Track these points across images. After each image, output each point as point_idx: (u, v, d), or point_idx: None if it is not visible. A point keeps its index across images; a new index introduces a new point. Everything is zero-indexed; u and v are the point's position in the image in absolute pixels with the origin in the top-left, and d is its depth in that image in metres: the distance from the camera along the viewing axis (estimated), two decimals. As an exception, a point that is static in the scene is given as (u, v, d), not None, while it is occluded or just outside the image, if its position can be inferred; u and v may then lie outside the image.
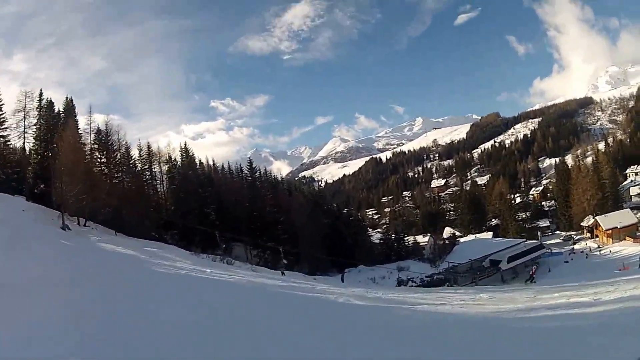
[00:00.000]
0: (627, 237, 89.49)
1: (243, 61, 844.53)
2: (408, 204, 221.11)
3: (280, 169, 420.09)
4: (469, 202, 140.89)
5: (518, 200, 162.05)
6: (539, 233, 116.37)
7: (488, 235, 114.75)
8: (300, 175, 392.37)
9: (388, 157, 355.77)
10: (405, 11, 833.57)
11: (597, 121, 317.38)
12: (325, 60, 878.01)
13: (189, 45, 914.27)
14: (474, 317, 16.47)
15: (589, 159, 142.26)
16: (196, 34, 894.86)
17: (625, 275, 35.31)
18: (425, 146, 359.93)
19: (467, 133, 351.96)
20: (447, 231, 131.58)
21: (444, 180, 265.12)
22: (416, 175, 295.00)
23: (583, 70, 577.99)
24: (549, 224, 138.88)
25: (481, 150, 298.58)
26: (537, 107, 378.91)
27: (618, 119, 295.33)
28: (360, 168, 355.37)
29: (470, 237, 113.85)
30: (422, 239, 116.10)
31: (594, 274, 45.62)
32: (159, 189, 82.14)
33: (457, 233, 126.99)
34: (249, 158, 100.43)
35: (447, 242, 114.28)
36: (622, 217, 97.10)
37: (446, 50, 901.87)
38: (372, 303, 20.20)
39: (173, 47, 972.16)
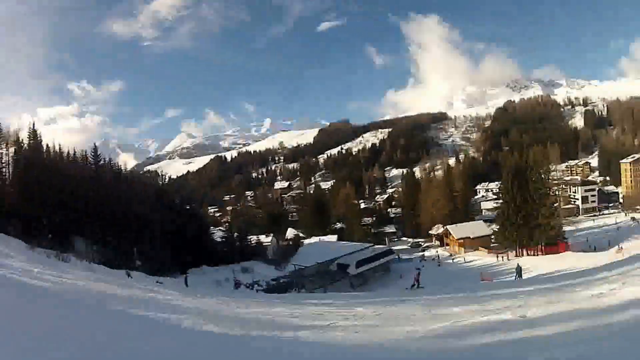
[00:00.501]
0: (480, 248, 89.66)
1: (105, 44, 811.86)
2: (250, 204, 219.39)
3: (127, 161, 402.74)
4: (313, 204, 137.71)
5: (363, 205, 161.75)
6: (386, 239, 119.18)
7: (333, 238, 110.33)
8: (145, 169, 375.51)
9: (234, 157, 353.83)
10: (271, 12, 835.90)
11: (449, 137, 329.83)
12: (183, 51, 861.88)
13: (54, 22, 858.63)
14: (389, 351, 9.21)
15: (439, 172, 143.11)
16: (63, 12, 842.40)
17: (497, 287, 29.40)
18: (272, 148, 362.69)
19: (314, 138, 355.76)
20: (291, 232, 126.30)
21: (288, 183, 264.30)
22: (260, 176, 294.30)
23: (440, 87, 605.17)
24: (395, 230, 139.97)
25: (327, 155, 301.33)
26: (387, 117, 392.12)
27: (472, 136, 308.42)
28: (205, 165, 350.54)
29: (315, 239, 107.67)
30: (265, 239, 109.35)
31: (460, 283, 42.78)
32: (4, 173, 69.27)
33: (301, 235, 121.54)
34: (95, 146, 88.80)
35: (290, 243, 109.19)
36: (475, 228, 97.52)
37: (304, 55, 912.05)
38: (230, 329, 12.02)
39: (37, 23, 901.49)
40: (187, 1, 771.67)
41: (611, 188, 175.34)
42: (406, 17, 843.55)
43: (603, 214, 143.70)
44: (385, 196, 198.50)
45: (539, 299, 13.80)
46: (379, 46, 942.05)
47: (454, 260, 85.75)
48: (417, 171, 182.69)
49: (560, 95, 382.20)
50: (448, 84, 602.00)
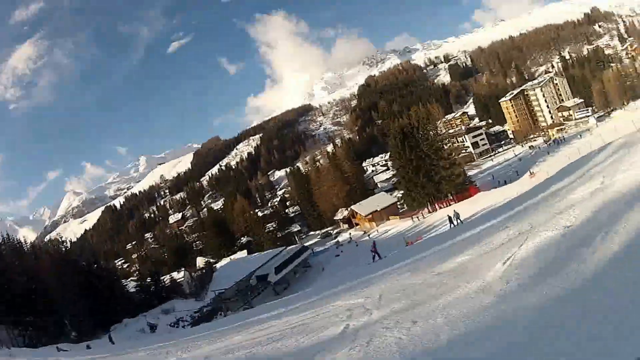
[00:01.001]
0: (391, 217, 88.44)
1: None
2: (153, 245, 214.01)
3: (26, 235, 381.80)
4: (212, 227, 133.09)
5: (261, 213, 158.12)
6: (295, 237, 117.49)
7: (243, 253, 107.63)
8: (46, 239, 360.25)
9: (122, 203, 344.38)
10: (119, 44, 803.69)
11: (320, 126, 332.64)
12: (47, 105, 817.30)
13: None
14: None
15: (323, 161, 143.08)
16: None
17: (429, 247, 27.18)
18: (154, 184, 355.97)
19: (191, 163, 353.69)
20: (200, 261, 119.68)
21: (181, 214, 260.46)
22: (152, 215, 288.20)
23: (297, 80, 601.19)
24: (300, 228, 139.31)
25: (209, 176, 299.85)
26: (255, 123, 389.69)
27: (342, 120, 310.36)
28: (98, 220, 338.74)
29: (226, 260, 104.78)
30: (178, 276, 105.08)
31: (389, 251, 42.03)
32: None
33: (211, 260, 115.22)
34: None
35: (203, 271, 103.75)
36: (379, 201, 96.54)
37: (160, 81, 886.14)
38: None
39: None
40: (40, 49, 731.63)
41: (497, 128, 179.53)
42: (251, 19, 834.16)
43: (498, 153, 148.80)
44: (278, 199, 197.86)
45: (540, 214, 14.07)
46: (230, 55, 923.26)
47: (370, 236, 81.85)
48: (300, 166, 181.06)
49: (419, 59, 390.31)
50: (305, 76, 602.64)
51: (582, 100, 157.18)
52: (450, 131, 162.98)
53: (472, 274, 10.30)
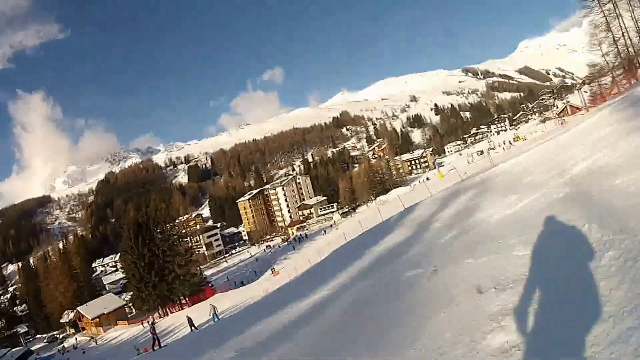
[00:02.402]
0: (119, 322, 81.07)
1: None
2: None
3: None
4: None
5: None
6: (21, 339, 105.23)
7: None
8: None
9: None
10: None
11: (55, 220, 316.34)
12: None
13: None
14: None
15: (54, 256, 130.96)
16: None
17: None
18: None
19: None
20: None
21: None
22: None
23: (43, 170, 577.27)
24: (27, 329, 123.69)
25: None
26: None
27: (77, 215, 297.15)
28: None
29: None
30: None
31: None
32: None
33: None
34: None
35: None
36: (107, 303, 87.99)
37: None
38: None
39: None
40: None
41: (232, 229, 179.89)
42: (14, 95, 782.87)
43: (232, 254, 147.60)
44: (9, 295, 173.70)
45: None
46: None
47: (98, 342, 74.99)
48: (32, 260, 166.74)
49: (160, 159, 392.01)
50: (50, 166, 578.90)
51: (325, 197, 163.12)
52: (184, 231, 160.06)
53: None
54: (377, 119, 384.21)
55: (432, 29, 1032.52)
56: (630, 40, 57.38)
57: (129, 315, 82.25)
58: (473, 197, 15.35)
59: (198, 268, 77.17)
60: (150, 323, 36.28)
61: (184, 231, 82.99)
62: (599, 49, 60.60)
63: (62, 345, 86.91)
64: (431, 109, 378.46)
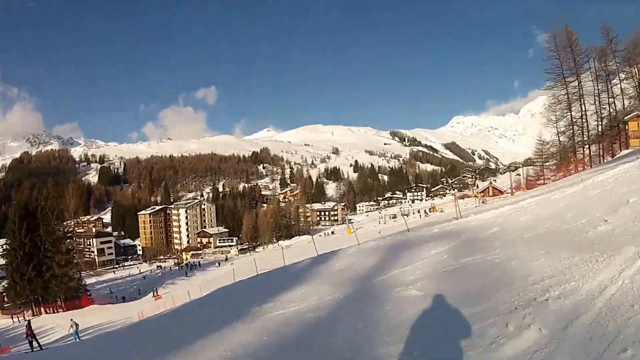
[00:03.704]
0: None
1: None
2: None
3: None
4: None
5: None
6: None
7: None
8: None
9: None
10: None
11: None
12: None
13: None
14: None
15: None
16: None
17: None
18: None
19: None
20: None
21: None
22: None
23: None
24: None
25: None
26: None
27: None
28: None
29: None
30: None
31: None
32: None
33: None
34: None
35: None
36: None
37: None
38: None
39: None
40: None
41: (128, 241, 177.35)
42: None
43: (123, 266, 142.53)
44: None
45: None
46: None
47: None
48: None
49: (77, 153, 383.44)
50: None
51: (227, 230, 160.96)
52: (80, 230, 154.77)
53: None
54: (295, 163, 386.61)
55: (370, 86, 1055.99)
56: (588, 124, 59.82)
57: (4, 305, 73.54)
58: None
59: (78, 273, 71.74)
60: (26, 322, 33.40)
61: (74, 230, 78.33)
62: (554, 126, 62.70)
63: None
64: (351, 165, 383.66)
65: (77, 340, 32.48)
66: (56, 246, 66.35)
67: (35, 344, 28.86)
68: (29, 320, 34.12)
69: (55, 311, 64.84)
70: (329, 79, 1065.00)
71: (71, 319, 37.72)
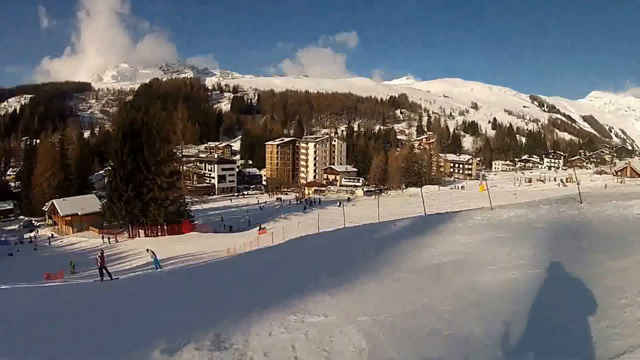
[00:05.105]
0: (91, 227, 74.61)
1: None
2: None
3: None
4: None
5: None
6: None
7: None
8: None
9: None
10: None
11: (89, 108, 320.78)
12: None
13: None
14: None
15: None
16: None
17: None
18: None
19: None
20: None
21: None
22: None
23: (94, 58, 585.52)
24: (12, 207, 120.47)
25: None
26: (37, 82, 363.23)
27: (111, 110, 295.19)
28: None
29: None
30: None
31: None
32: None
33: None
34: None
35: None
36: (85, 203, 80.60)
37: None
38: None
39: None
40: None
41: (253, 170, 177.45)
42: None
43: (243, 195, 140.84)
44: (18, 169, 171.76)
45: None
46: (49, 6, 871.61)
47: (51, 243, 70.09)
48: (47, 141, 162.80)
49: (212, 82, 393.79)
50: (102, 57, 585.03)
51: (355, 169, 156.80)
52: (202, 156, 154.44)
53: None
54: (433, 112, 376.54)
55: (513, 47, 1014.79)
56: None
57: (104, 224, 73.69)
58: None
59: (181, 198, 68.63)
60: (100, 252, 29.46)
61: (181, 153, 73.96)
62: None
63: (31, 235, 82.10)
64: (489, 122, 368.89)
65: (158, 268, 31.47)
66: (159, 169, 63.60)
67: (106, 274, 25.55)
68: (102, 250, 30.48)
69: (155, 235, 64.05)
70: (473, 35, 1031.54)
71: (147, 248, 36.70)
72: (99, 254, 26.26)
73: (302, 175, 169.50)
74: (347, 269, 10.49)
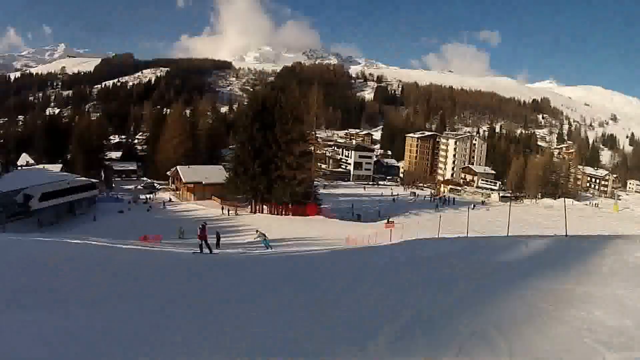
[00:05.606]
0: (214, 197, 76.07)
1: None
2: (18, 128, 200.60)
3: None
4: (45, 131, 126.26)
5: (118, 140, 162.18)
6: (122, 176, 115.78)
7: (57, 167, 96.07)
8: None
9: (17, 77, 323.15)
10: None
11: (227, 85, 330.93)
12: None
13: None
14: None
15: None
16: None
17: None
18: (53, 72, 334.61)
19: (95, 67, 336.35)
20: (24, 158, 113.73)
21: (59, 110, 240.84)
22: (36, 101, 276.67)
23: (235, 40, 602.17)
24: (136, 169, 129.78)
25: (102, 86, 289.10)
26: (173, 57, 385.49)
27: (251, 89, 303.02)
28: None
29: (40, 166, 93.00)
30: None
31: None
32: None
33: (31, 161, 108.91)
34: None
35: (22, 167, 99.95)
36: (211, 173, 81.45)
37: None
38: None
39: None
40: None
41: (392, 161, 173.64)
42: None
43: (378, 184, 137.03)
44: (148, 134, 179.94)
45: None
46: None
47: (166, 207, 73.91)
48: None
49: (356, 70, 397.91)
50: (244, 38, 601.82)
51: (494, 172, 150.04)
52: (341, 141, 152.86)
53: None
54: (574, 120, 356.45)
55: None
56: None
57: (227, 195, 72.99)
58: None
59: (310, 179, 66.79)
60: (201, 225, 27.62)
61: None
62: None
63: (145, 196, 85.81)
64: (627, 137, 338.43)
65: (268, 248, 31.27)
66: (290, 147, 62.31)
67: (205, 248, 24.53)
68: (205, 222, 27.30)
69: (279, 213, 64.19)
70: (616, 39, 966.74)
71: (257, 230, 37.72)
72: (200, 226, 24.92)
73: (439, 171, 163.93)
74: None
